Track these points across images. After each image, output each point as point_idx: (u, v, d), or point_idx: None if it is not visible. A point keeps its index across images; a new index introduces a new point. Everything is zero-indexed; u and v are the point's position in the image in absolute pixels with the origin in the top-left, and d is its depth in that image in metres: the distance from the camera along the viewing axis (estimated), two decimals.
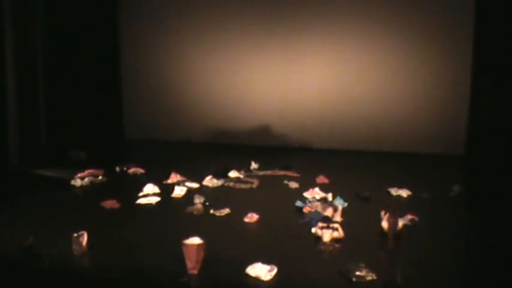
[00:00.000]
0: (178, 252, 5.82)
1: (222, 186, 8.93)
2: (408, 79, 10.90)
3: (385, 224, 6.66)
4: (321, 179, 9.04)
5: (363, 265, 5.78)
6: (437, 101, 10.75)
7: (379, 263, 5.94)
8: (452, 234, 7.02)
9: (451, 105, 10.69)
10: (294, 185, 8.92)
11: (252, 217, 7.39)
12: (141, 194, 8.35)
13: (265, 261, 5.84)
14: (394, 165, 9.93)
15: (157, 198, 8.20)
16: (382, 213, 6.94)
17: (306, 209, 7.62)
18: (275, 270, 5.79)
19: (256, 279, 5.67)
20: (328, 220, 6.87)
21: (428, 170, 9.77)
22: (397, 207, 6.70)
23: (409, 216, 7.19)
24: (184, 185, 8.74)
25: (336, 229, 6.64)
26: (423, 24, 10.64)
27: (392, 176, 8.83)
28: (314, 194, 8.21)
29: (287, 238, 6.84)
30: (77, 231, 6.25)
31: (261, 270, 5.77)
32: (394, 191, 8.49)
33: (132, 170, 9.68)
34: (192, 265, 5.73)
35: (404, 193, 8.47)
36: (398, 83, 10.95)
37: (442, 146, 10.72)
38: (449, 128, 10.71)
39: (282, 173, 9.58)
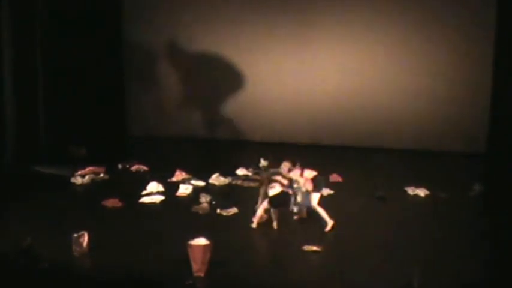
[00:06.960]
0: (183, 254, 5.72)
1: (230, 184, 8.75)
2: (429, 76, 10.80)
3: None
4: (334, 177, 8.76)
5: None
6: (458, 98, 10.65)
7: (391, 264, 5.90)
8: (472, 235, 6.85)
9: (472, 102, 10.58)
10: None
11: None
12: (144, 192, 8.21)
13: (273, 264, 5.84)
14: (412, 163, 9.74)
15: (162, 197, 8.08)
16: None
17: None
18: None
19: None
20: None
21: (448, 168, 9.58)
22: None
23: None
24: (189, 183, 8.59)
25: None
26: (444, 23, 10.60)
27: (410, 174, 8.70)
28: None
29: (295, 238, 6.68)
30: (77, 232, 6.18)
31: None
32: (411, 190, 8.28)
33: (135, 167, 9.52)
34: (198, 267, 5.64)
35: (422, 192, 8.24)
36: (419, 80, 10.86)
37: (463, 143, 10.59)
38: (470, 125, 10.59)
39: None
